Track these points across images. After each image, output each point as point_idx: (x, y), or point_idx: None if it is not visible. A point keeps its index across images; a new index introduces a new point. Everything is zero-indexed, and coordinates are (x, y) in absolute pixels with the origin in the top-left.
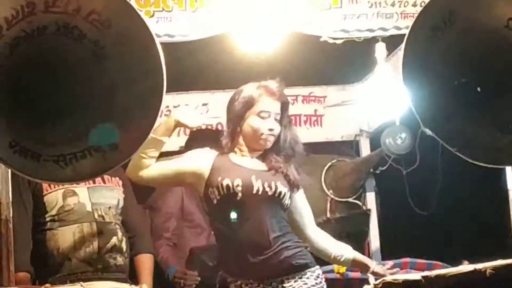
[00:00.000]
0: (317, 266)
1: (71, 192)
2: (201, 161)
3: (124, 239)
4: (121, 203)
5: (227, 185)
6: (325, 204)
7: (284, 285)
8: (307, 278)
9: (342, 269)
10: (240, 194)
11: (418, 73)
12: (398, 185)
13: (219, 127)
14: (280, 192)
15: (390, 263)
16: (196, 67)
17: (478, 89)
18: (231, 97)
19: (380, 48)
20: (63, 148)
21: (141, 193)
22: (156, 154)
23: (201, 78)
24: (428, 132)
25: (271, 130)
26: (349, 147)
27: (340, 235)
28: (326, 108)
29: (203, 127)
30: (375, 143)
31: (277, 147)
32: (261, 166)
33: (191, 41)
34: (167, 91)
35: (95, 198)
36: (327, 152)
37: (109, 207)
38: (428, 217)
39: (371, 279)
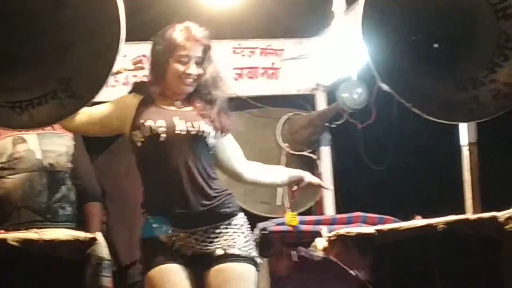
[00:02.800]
0: (242, 214)
1: (20, 139)
2: (125, 105)
3: (73, 189)
4: (71, 151)
5: (150, 126)
6: (280, 157)
7: (209, 234)
8: (233, 226)
9: (294, 222)
10: (163, 135)
11: (376, 28)
12: (353, 140)
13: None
14: (203, 131)
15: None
16: (156, 19)
17: (435, 45)
18: (153, 40)
19: (338, 2)
20: (20, 95)
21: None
22: None
23: (160, 30)
24: (385, 87)
25: (189, 74)
26: (306, 100)
27: None
28: (283, 61)
29: (122, 71)
30: (331, 97)
31: (199, 91)
32: (185, 108)
33: None
34: (126, 40)
35: (45, 145)
36: (283, 106)
37: (60, 155)
38: (382, 172)
39: (324, 231)
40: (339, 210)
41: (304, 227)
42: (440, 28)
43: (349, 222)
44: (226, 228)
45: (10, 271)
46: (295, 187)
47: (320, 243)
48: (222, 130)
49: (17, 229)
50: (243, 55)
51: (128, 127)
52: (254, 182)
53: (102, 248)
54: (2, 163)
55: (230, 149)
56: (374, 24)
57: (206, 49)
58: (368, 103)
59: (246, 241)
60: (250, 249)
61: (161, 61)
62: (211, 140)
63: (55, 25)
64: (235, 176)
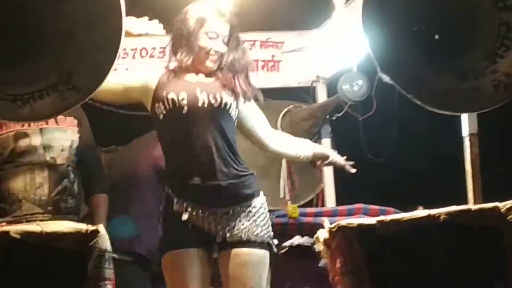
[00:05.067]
0: (261, 195)
1: (22, 134)
2: (147, 76)
3: (77, 181)
4: (75, 144)
5: (172, 99)
6: None
7: (230, 215)
8: (253, 207)
9: (295, 214)
10: (186, 108)
11: (377, 19)
12: (354, 132)
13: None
14: (226, 103)
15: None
16: (154, 11)
17: (436, 36)
18: (179, 16)
19: None
20: (21, 88)
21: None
22: None
23: (160, 21)
24: (385, 78)
25: (216, 51)
26: (306, 93)
27: None
28: (284, 54)
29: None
30: (331, 89)
31: (224, 68)
32: (207, 79)
33: None
34: None
35: (47, 140)
36: (283, 98)
37: (62, 149)
38: (383, 164)
39: (326, 223)
40: (339, 202)
41: (305, 219)
42: (441, 19)
43: (350, 213)
44: (247, 209)
45: (12, 263)
46: (318, 163)
47: (322, 235)
48: (243, 97)
49: (18, 221)
50: None
51: (150, 99)
52: (278, 152)
53: (105, 240)
54: (4, 158)
55: (254, 118)
56: (374, 15)
57: (233, 28)
58: (369, 95)
59: (264, 224)
60: (267, 233)
61: (191, 34)
62: (233, 112)
63: (55, 17)
64: (260, 145)
